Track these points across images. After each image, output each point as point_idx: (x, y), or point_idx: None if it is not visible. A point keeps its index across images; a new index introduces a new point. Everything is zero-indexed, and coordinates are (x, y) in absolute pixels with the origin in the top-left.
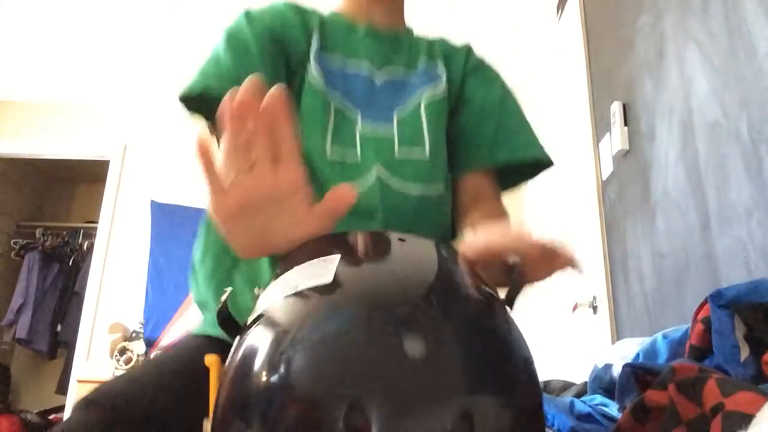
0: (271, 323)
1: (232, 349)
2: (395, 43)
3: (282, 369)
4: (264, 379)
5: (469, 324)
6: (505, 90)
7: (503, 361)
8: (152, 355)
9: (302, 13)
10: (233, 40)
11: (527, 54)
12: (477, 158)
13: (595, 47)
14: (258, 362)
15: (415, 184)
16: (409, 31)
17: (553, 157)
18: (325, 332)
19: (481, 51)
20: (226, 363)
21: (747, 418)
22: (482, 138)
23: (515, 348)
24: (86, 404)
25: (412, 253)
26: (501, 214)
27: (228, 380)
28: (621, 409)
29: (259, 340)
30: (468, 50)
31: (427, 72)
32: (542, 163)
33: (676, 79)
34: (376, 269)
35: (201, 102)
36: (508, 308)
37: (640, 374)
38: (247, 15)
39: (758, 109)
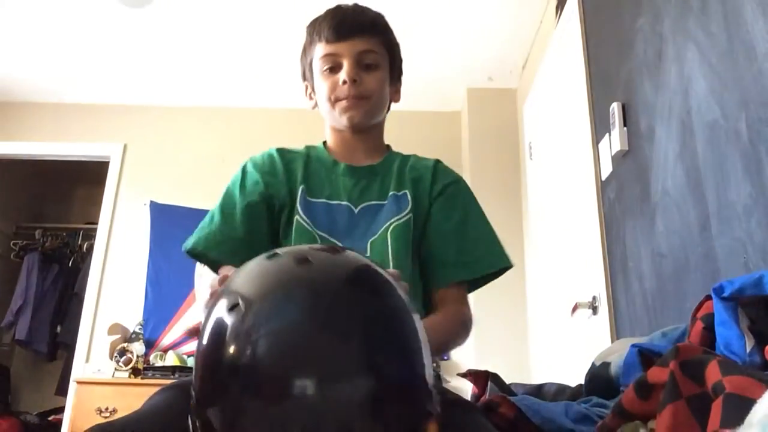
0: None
1: (200, 334)
2: (370, 176)
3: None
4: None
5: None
6: (465, 210)
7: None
8: None
9: (289, 161)
10: (226, 207)
11: (527, 55)
12: (444, 276)
13: (595, 48)
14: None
15: None
16: (385, 158)
17: (506, 260)
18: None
19: (480, 53)
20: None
21: (746, 402)
22: (446, 259)
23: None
24: (164, 388)
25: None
26: (456, 314)
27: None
28: (624, 386)
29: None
30: (435, 169)
31: (396, 199)
32: (502, 269)
33: (675, 79)
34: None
35: (200, 255)
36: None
37: (646, 355)
38: (243, 172)
39: (757, 109)
